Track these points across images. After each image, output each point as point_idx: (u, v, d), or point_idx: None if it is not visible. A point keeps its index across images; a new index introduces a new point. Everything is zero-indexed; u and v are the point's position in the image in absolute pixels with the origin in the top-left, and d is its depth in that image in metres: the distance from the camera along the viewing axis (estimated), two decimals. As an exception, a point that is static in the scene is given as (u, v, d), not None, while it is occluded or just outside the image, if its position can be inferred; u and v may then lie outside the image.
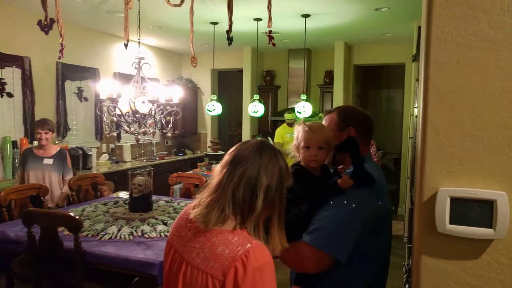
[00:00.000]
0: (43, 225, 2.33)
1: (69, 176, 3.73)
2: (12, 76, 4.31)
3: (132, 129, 2.90)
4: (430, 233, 0.99)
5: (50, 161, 3.63)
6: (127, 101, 2.72)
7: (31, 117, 4.48)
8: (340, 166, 1.42)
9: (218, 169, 1.09)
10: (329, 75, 6.53)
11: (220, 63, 6.80)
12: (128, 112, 2.75)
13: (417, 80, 2.79)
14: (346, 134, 1.47)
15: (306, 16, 4.55)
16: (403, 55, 5.91)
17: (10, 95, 4.30)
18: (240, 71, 6.96)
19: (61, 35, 1.78)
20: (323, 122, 1.54)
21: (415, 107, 3.11)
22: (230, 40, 2.11)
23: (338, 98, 6.18)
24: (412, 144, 3.35)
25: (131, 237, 2.50)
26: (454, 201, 0.95)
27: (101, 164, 5.40)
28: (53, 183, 3.62)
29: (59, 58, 1.96)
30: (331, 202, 1.32)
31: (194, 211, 1.07)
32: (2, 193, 2.95)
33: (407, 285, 2.24)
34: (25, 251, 2.45)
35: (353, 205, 1.30)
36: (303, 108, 4.84)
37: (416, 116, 2.45)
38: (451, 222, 0.96)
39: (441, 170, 0.98)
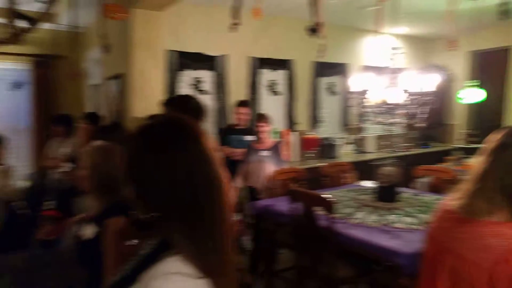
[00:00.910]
0: (304, 203, 2.71)
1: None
2: (281, 77, 5.20)
3: (379, 120, 2.95)
4: None
5: (266, 154, 3.78)
6: (378, 92, 2.78)
7: (292, 111, 5.26)
8: None
9: (480, 158, 1.03)
10: None
11: (478, 44, 5.87)
12: (379, 103, 2.81)
13: None
14: None
15: None
16: None
17: (278, 93, 5.19)
18: (505, 50, 5.78)
19: (324, 37, 2.01)
20: None
21: None
22: (507, 14, 1.81)
23: None
24: None
25: (377, 224, 2.58)
26: None
27: (345, 153, 5.74)
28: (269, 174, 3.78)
29: (320, 57, 2.22)
30: None
31: (456, 202, 1.05)
32: (273, 174, 3.63)
33: None
34: (288, 223, 2.89)
35: None
36: None
37: None
38: None
39: None
